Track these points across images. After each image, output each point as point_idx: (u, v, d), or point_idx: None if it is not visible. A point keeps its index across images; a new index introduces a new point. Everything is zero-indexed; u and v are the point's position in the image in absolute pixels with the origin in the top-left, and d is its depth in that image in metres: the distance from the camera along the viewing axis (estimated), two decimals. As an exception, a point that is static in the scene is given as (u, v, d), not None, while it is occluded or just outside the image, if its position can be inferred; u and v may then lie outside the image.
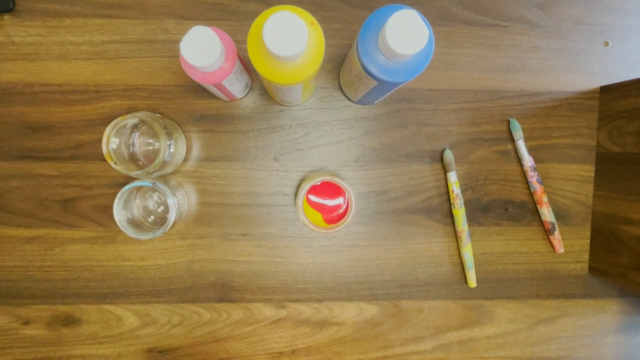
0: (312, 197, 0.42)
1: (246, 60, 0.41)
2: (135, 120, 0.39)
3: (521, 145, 0.45)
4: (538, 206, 0.46)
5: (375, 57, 0.31)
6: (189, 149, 0.44)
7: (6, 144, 0.43)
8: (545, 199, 0.45)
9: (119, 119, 0.37)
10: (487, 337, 0.47)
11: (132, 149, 0.42)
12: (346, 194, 0.41)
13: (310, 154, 0.45)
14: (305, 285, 0.45)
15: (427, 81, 0.45)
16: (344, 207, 0.42)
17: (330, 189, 0.42)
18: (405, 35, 0.28)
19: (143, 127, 0.42)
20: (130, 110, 0.43)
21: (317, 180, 0.40)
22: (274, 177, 0.45)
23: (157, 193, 0.44)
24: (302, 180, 0.44)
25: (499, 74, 0.46)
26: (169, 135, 0.39)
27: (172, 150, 0.39)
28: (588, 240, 0.47)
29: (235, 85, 0.38)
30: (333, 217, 0.42)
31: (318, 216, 0.42)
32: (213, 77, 0.34)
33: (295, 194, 0.44)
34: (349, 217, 0.41)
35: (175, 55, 0.43)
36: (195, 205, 0.44)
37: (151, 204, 0.44)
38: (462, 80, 0.46)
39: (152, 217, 0.44)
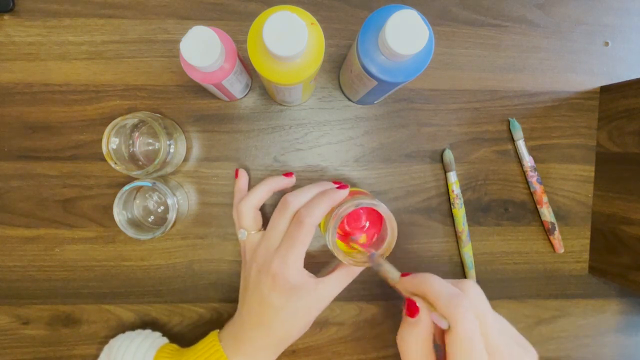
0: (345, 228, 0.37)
1: (246, 60, 0.41)
2: (135, 120, 0.39)
3: (521, 145, 0.45)
4: (538, 206, 0.46)
5: (375, 57, 0.31)
6: (189, 149, 0.44)
7: (6, 144, 0.43)
8: (545, 199, 0.45)
9: (119, 119, 0.37)
10: (487, 337, 0.47)
11: (132, 149, 0.42)
12: (385, 220, 0.34)
13: (310, 154, 0.45)
14: (305, 285, 0.45)
15: (427, 81, 0.45)
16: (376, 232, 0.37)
17: (360, 216, 0.37)
18: (405, 35, 0.28)
19: (143, 127, 0.42)
20: (130, 110, 0.43)
21: (351, 207, 0.33)
22: (274, 177, 0.45)
23: (157, 193, 0.44)
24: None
25: (499, 74, 0.46)
26: (169, 135, 0.39)
27: (172, 150, 0.39)
28: (588, 240, 0.47)
29: (235, 85, 0.38)
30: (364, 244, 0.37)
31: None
32: (213, 77, 0.34)
33: (325, 226, 0.36)
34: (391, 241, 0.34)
35: (175, 55, 0.43)
36: (195, 205, 0.44)
37: (151, 204, 0.44)
38: (462, 80, 0.46)
39: (152, 217, 0.44)
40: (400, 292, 0.32)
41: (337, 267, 0.36)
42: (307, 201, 0.35)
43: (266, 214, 0.44)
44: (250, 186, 0.44)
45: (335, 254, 0.33)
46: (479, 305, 0.29)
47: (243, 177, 0.42)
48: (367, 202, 0.33)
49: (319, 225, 0.37)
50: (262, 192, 0.38)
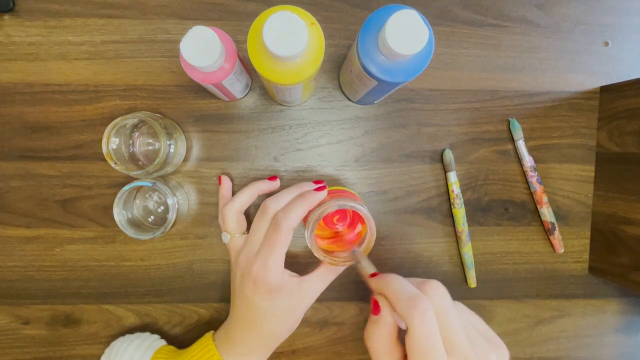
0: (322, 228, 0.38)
1: (246, 60, 0.41)
2: (135, 120, 0.39)
3: (521, 145, 0.45)
4: (538, 206, 0.46)
5: (375, 57, 0.31)
6: (189, 149, 0.44)
7: (6, 144, 0.43)
8: (545, 199, 0.45)
9: (119, 119, 0.37)
10: (487, 337, 0.47)
11: (132, 149, 0.42)
12: (365, 219, 0.35)
13: (310, 154, 0.45)
14: (305, 285, 0.45)
15: (427, 81, 0.45)
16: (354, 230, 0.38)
17: (340, 216, 0.38)
18: (405, 35, 0.28)
19: (143, 127, 0.42)
20: (130, 110, 0.43)
21: (329, 209, 0.34)
22: (274, 177, 0.45)
23: (157, 193, 0.44)
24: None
25: (499, 74, 0.46)
26: (169, 135, 0.39)
27: (172, 150, 0.39)
28: (588, 240, 0.47)
29: (235, 85, 0.38)
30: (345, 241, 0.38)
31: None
32: (213, 77, 0.34)
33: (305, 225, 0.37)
34: (370, 240, 0.35)
35: (175, 55, 0.43)
36: (195, 205, 0.44)
37: (151, 204, 0.44)
38: (462, 80, 0.46)
39: (152, 217, 0.44)
40: (373, 290, 0.32)
41: (319, 265, 0.37)
42: (285, 205, 0.36)
43: (250, 216, 0.44)
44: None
45: (315, 254, 0.34)
46: (440, 304, 0.28)
47: (226, 183, 0.43)
48: (345, 203, 0.34)
49: (303, 223, 0.37)
50: (246, 197, 0.39)
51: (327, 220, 0.38)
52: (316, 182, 0.38)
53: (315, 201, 0.36)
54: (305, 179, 0.45)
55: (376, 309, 0.30)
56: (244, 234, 0.39)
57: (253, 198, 0.40)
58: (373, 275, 0.32)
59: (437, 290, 0.29)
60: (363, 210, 0.34)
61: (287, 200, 0.36)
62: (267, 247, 0.34)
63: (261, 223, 0.36)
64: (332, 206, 0.34)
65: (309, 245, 0.34)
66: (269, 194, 0.39)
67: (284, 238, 0.34)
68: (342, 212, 0.38)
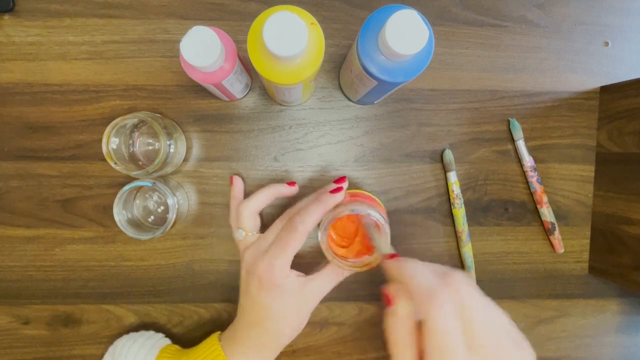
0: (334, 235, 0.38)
1: (246, 60, 0.41)
2: (135, 120, 0.39)
3: (521, 145, 0.45)
4: (538, 206, 0.46)
5: (375, 57, 0.31)
6: (189, 149, 0.44)
7: (6, 144, 0.43)
8: (545, 199, 0.45)
9: (119, 119, 0.37)
10: (487, 337, 0.47)
11: (132, 149, 0.42)
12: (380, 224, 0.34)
13: (310, 154, 0.45)
14: (305, 285, 0.45)
15: (427, 81, 0.45)
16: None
17: (349, 223, 0.38)
18: (405, 35, 0.28)
19: (143, 127, 0.42)
20: (130, 110, 0.43)
21: (339, 214, 0.34)
22: (274, 177, 0.45)
23: (157, 193, 0.44)
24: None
25: (499, 74, 0.46)
26: (169, 135, 0.39)
27: (172, 150, 0.39)
28: (588, 240, 0.47)
29: (235, 85, 0.38)
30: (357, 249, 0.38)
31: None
32: (213, 77, 0.34)
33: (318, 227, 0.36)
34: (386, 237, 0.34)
35: (175, 55, 0.43)
36: (195, 205, 0.44)
37: (151, 204, 0.44)
38: (462, 80, 0.46)
39: (152, 217, 0.44)
40: (384, 272, 0.31)
41: (327, 265, 0.36)
42: (301, 208, 0.36)
43: (263, 219, 0.44)
44: (246, 188, 0.44)
45: (326, 255, 0.35)
46: (464, 298, 0.27)
47: (238, 183, 0.42)
48: (359, 208, 0.34)
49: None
50: (263, 197, 0.39)
51: (343, 224, 0.38)
52: (337, 181, 0.38)
53: (331, 204, 0.35)
54: (306, 179, 0.45)
55: (387, 301, 0.29)
56: (257, 233, 0.39)
57: (270, 200, 0.39)
58: (392, 256, 0.30)
59: (460, 282, 0.27)
60: (377, 217, 0.34)
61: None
62: (278, 246, 0.34)
63: (278, 225, 0.36)
64: (346, 210, 0.34)
65: (322, 248, 0.34)
66: (287, 199, 0.39)
67: (297, 240, 0.34)
68: (356, 217, 0.38)
